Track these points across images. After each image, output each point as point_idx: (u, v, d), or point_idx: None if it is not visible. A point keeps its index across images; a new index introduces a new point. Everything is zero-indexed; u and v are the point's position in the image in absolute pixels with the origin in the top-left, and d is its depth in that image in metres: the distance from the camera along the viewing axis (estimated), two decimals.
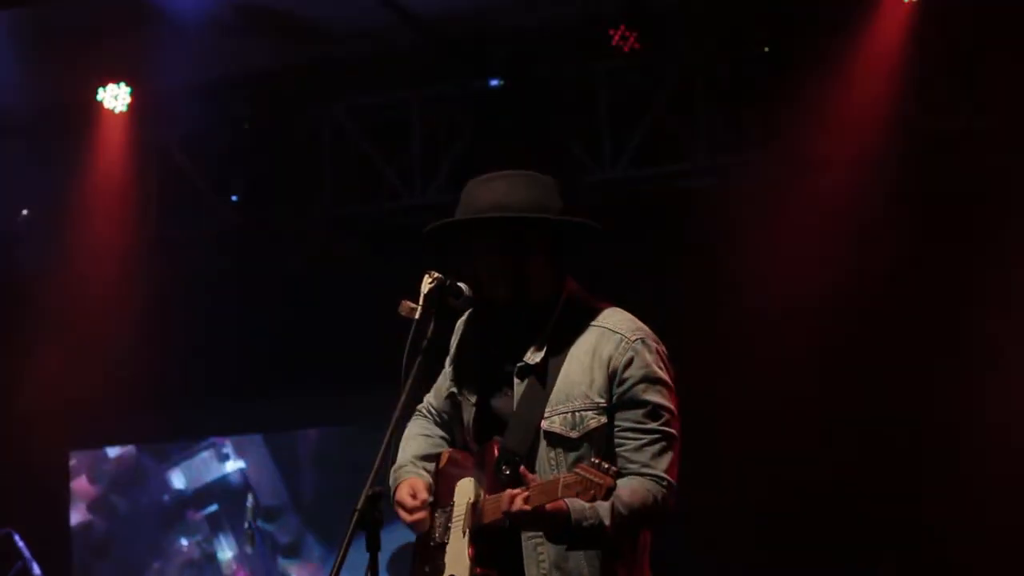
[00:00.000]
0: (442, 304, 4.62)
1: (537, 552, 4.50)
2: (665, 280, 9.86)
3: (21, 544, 9.17)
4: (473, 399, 4.73)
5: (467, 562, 4.49)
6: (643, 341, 4.55)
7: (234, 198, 10.84)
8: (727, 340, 9.64)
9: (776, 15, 9.65)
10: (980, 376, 9.20)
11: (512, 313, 4.67)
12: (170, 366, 10.92)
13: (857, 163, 9.50)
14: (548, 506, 4.27)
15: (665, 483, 4.46)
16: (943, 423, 9.33)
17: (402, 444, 4.89)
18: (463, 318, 4.90)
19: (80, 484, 11.90)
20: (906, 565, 9.37)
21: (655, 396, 4.50)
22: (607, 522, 4.35)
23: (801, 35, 9.57)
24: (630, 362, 4.50)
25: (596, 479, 4.12)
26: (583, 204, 9.48)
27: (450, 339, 4.94)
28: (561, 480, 4.20)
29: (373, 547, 4.32)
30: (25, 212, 11.06)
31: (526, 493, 4.27)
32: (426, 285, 4.61)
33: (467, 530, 4.52)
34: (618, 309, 4.69)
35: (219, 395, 11.22)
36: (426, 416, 4.99)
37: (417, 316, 4.58)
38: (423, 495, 4.67)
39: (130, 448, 12.00)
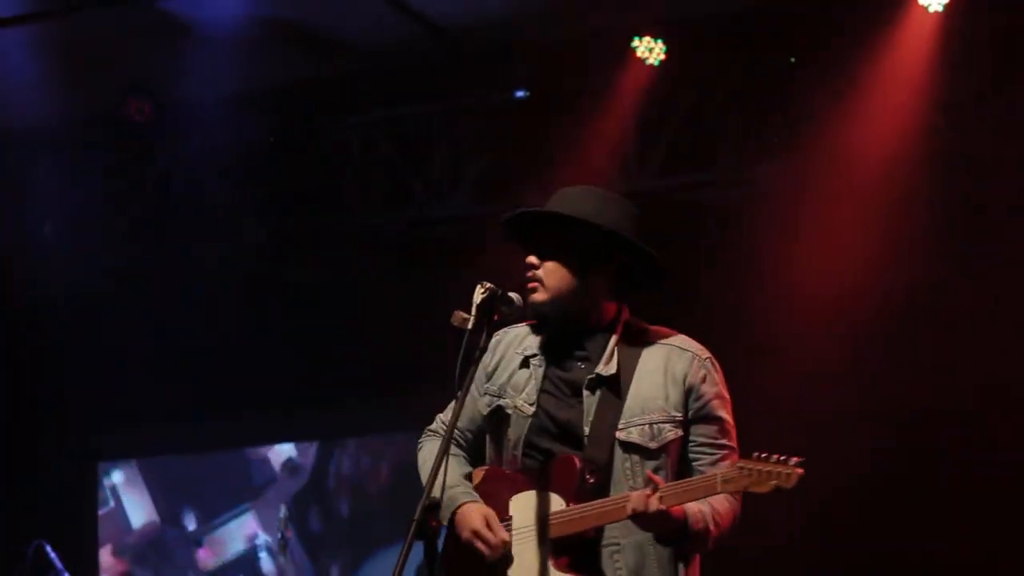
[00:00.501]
0: (493, 314, 4.67)
1: (614, 560, 4.62)
2: (692, 290, 9.86)
3: (53, 555, 9.16)
4: (530, 412, 4.76)
5: (553, 571, 4.58)
6: (711, 360, 4.78)
7: (259, 211, 10.82)
8: (754, 350, 9.63)
9: (802, 25, 9.65)
10: (1016, 375, 9.21)
11: (572, 329, 4.79)
12: (195, 379, 10.92)
13: (883, 173, 9.48)
14: (674, 509, 4.45)
15: (739, 496, 4.66)
16: (978, 422, 9.35)
17: (433, 464, 4.80)
18: (503, 337, 4.93)
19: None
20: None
21: (725, 413, 4.74)
22: (712, 529, 4.56)
23: (827, 45, 9.58)
24: (704, 379, 4.71)
25: (780, 469, 4.32)
26: None
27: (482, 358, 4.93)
28: (719, 475, 4.43)
29: (431, 557, 4.36)
30: (47, 227, 11.04)
31: (659, 493, 4.42)
32: (478, 295, 4.65)
33: (545, 542, 4.59)
34: (675, 331, 4.86)
35: (247, 407, 11.19)
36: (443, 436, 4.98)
37: (470, 326, 4.63)
38: (503, 535, 4.68)
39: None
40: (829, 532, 9.43)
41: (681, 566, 4.68)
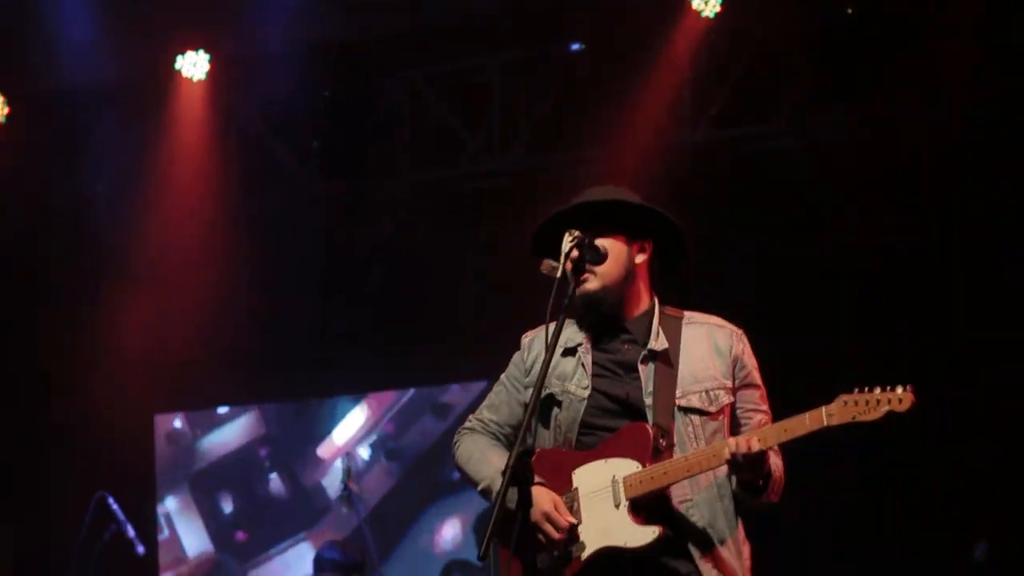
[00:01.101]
0: (580, 264, 4.81)
1: (690, 514, 4.81)
2: (747, 240, 9.88)
3: (115, 507, 9.22)
4: (584, 395, 4.93)
5: (635, 526, 4.75)
6: (745, 335, 5.05)
7: (314, 166, 10.83)
8: (803, 301, 9.65)
9: None
10: None
11: (617, 316, 4.99)
12: (251, 331, 10.98)
13: (942, 124, 9.44)
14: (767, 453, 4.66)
15: (781, 457, 4.92)
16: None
17: (480, 457, 5.10)
18: (537, 336, 5.08)
19: None
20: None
21: (761, 381, 5.02)
22: (782, 480, 4.84)
23: None
24: (743, 351, 5.00)
25: (890, 395, 4.48)
26: (666, 168, 9.65)
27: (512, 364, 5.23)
28: (824, 410, 4.56)
29: (525, 504, 4.41)
30: (99, 186, 11.05)
31: (758, 435, 4.64)
32: (567, 243, 4.78)
33: (622, 502, 4.76)
34: (706, 312, 5.13)
35: (300, 359, 11.24)
36: (482, 432, 5.22)
37: (559, 275, 4.75)
38: (571, 519, 4.83)
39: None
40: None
41: (740, 521, 4.92)
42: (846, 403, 4.51)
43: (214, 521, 11.87)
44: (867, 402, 4.49)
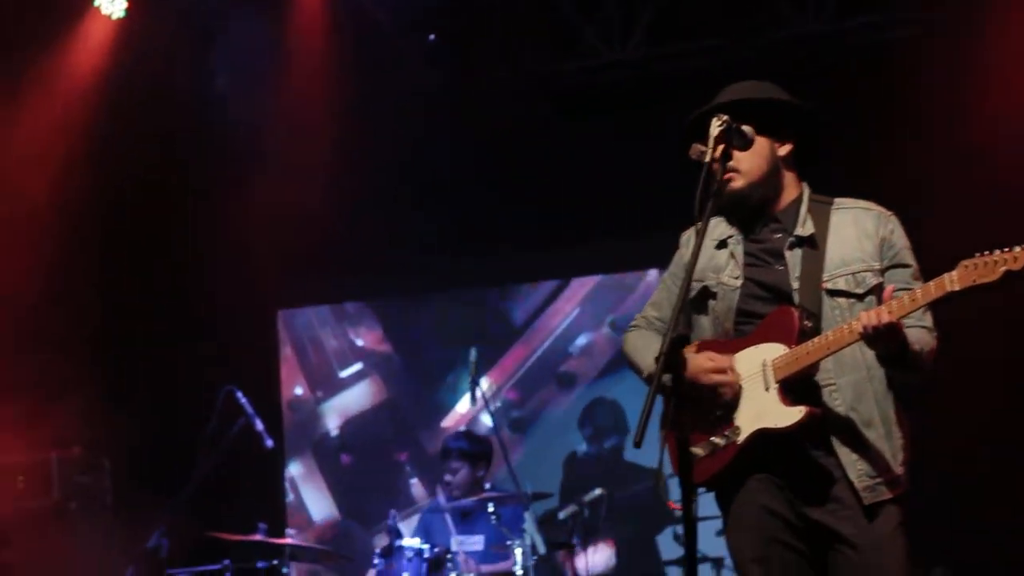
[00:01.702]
0: (730, 147, 4.88)
1: (833, 397, 4.94)
2: (870, 135, 9.77)
3: (244, 400, 9.28)
4: (737, 284, 5.12)
5: (783, 407, 4.90)
6: (895, 216, 5.16)
7: (430, 58, 10.78)
8: (929, 195, 9.55)
9: None
10: None
11: (765, 207, 5.15)
12: (373, 227, 11.04)
13: None
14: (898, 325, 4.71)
15: (935, 334, 5.01)
16: None
17: (644, 346, 5.31)
18: (692, 234, 5.24)
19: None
20: None
21: (913, 260, 5.09)
22: (927, 354, 4.89)
23: None
24: (892, 232, 5.10)
25: (1007, 255, 4.52)
26: (785, 58, 9.54)
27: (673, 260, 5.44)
28: (946, 276, 4.62)
29: (677, 391, 4.43)
30: (220, 79, 11.07)
31: (885, 308, 4.70)
32: (715, 128, 4.86)
33: (771, 385, 4.92)
34: (855, 198, 5.22)
35: (422, 255, 11.36)
36: (646, 328, 5.45)
37: (707, 159, 4.82)
38: (726, 360, 5.00)
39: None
40: None
41: (895, 402, 5.00)
42: (967, 267, 4.57)
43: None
44: (986, 264, 4.54)
